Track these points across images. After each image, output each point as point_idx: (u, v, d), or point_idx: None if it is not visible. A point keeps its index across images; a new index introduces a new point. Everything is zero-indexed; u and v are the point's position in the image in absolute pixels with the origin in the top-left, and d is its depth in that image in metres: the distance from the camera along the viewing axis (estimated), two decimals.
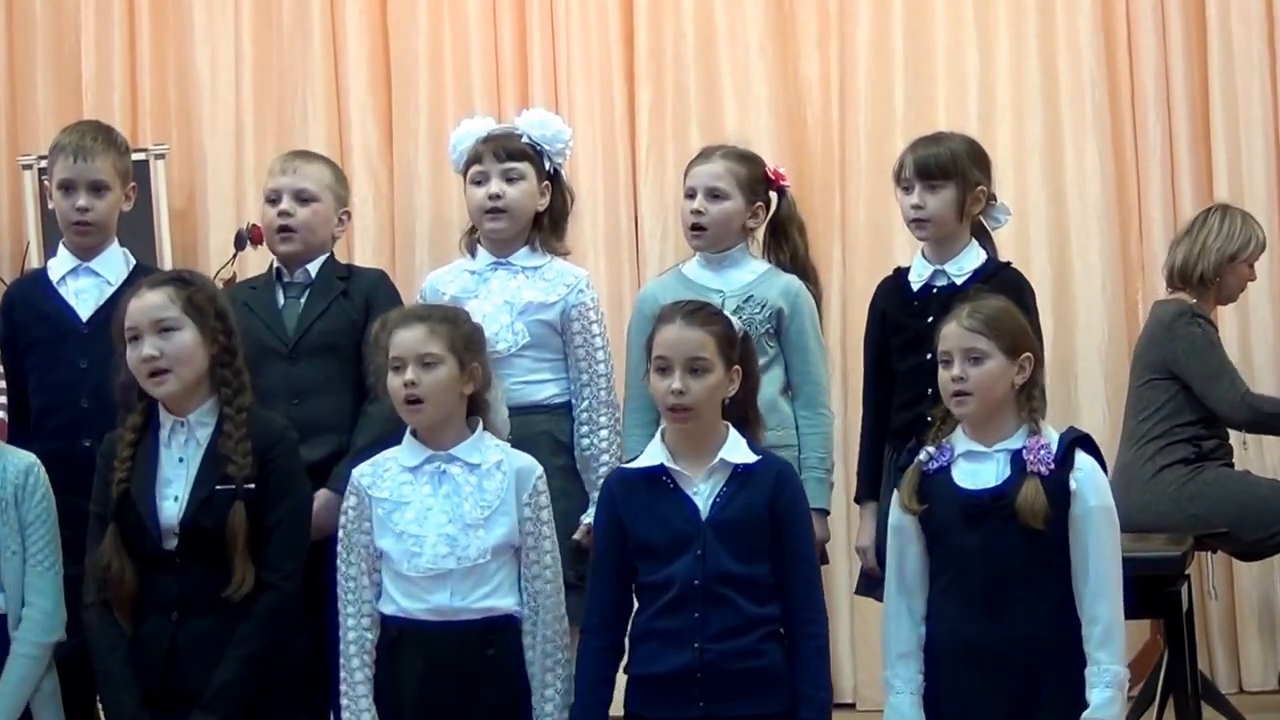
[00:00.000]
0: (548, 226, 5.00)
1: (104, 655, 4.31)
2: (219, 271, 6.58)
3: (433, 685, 4.20)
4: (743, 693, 4.11)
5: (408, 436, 4.33)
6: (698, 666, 4.11)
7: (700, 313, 4.25)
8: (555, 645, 4.24)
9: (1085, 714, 4.09)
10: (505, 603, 4.23)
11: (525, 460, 4.32)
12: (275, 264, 5.00)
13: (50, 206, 4.98)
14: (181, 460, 4.34)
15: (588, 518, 4.77)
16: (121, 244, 4.97)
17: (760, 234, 5.08)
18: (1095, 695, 4.10)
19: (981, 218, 4.95)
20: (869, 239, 6.71)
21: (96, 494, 4.36)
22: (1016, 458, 4.20)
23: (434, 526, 4.23)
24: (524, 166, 4.95)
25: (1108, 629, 4.13)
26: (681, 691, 4.13)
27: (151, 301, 4.35)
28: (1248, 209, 6.40)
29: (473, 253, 5.02)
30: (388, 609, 4.25)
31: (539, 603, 4.25)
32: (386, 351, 4.27)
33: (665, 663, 4.15)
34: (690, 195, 5.00)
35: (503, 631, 4.23)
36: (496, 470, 4.27)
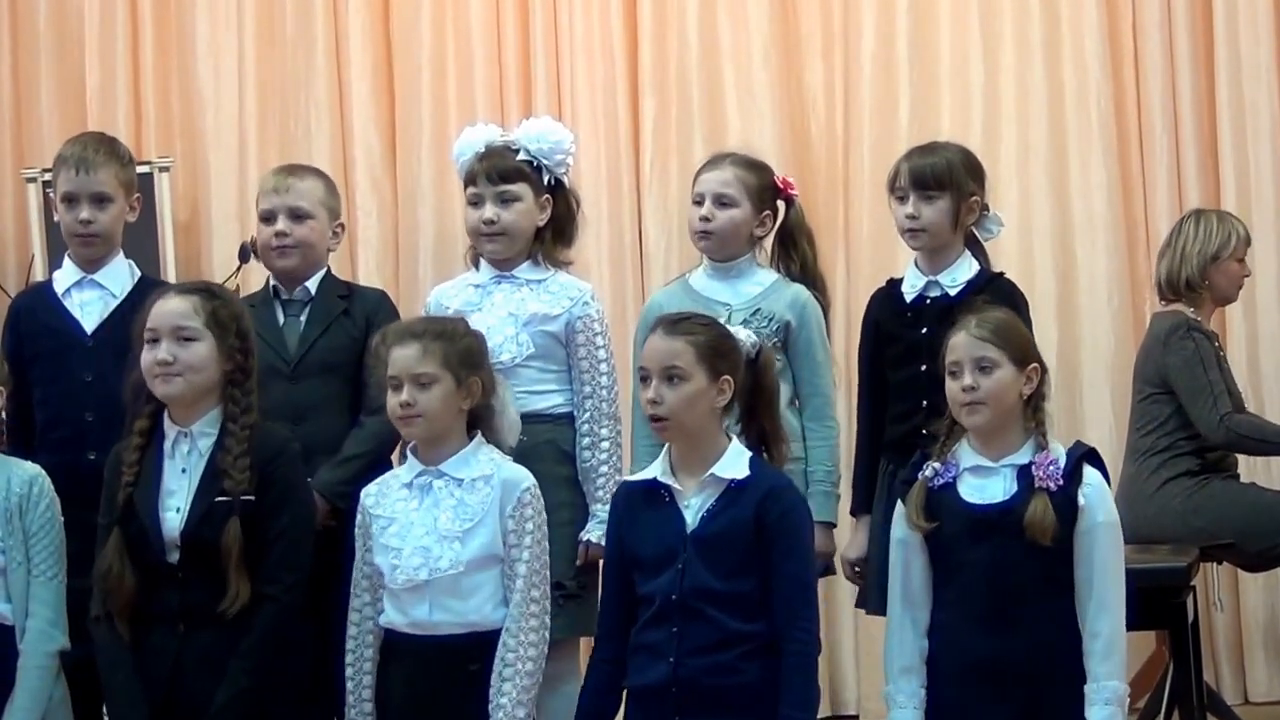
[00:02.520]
0: (550, 239, 4.96)
1: (111, 670, 4.30)
2: (223, 284, 6.58)
3: (415, 698, 4.21)
4: (719, 709, 4.09)
5: (409, 454, 4.34)
6: (673, 681, 4.10)
7: (683, 323, 4.23)
8: (516, 655, 4.19)
9: None
10: (492, 618, 4.22)
11: (514, 472, 4.30)
12: (272, 281, 4.98)
13: (55, 219, 4.98)
14: (184, 471, 4.34)
15: (586, 534, 4.78)
16: (126, 256, 4.96)
17: (769, 243, 5.08)
18: (1094, 713, 4.10)
19: (974, 228, 4.94)
20: (873, 250, 6.69)
21: (105, 506, 4.35)
22: (1023, 472, 4.20)
23: (413, 539, 4.24)
24: (519, 188, 4.91)
25: (1109, 644, 4.12)
26: (660, 705, 4.12)
27: (176, 308, 4.35)
28: (1255, 220, 6.41)
29: (476, 265, 5.01)
30: (383, 621, 4.29)
31: (508, 612, 4.22)
32: (386, 365, 4.27)
33: (646, 676, 4.15)
34: (698, 202, 4.99)
35: (485, 647, 4.21)
36: (483, 484, 4.26)
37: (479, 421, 4.34)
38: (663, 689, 4.10)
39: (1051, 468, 4.16)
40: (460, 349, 4.29)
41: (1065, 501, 4.14)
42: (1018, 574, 4.15)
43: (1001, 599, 4.16)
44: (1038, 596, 4.15)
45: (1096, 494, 4.18)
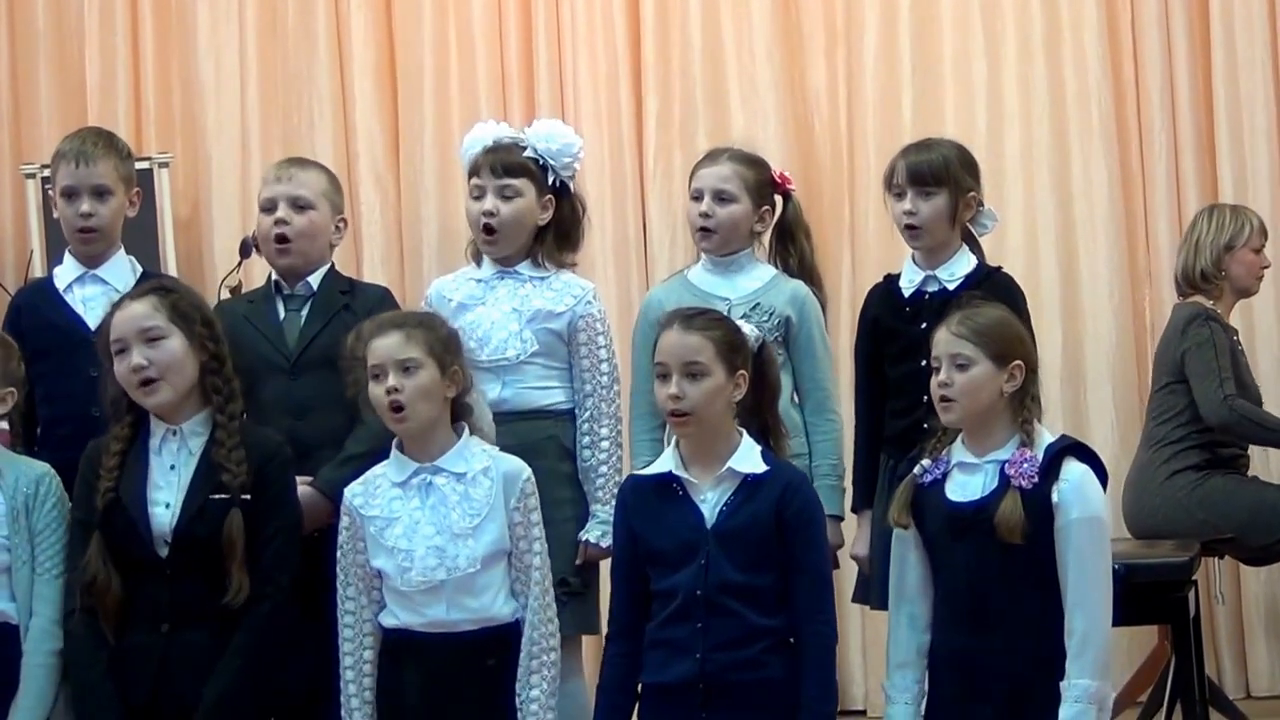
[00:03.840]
0: (552, 241, 4.94)
1: (84, 668, 4.28)
2: (224, 280, 6.57)
3: (434, 697, 4.19)
4: (744, 704, 4.09)
5: (394, 452, 4.31)
6: (700, 677, 4.10)
7: (699, 318, 4.24)
8: (541, 648, 4.21)
9: None
10: (502, 611, 4.22)
11: (512, 464, 4.30)
12: (273, 276, 4.96)
13: (55, 215, 4.97)
14: (173, 468, 4.32)
15: (586, 534, 4.76)
16: (126, 253, 4.96)
17: (766, 238, 5.07)
18: (1063, 710, 4.06)
19: (969, 224, 4.94)
20: (878, 246, 6.70)
21: (79, 500, 4.34)
22: (1004, 469, 4.18)
23: (422, 539, 4.21)
24: (522, 183, 4.89)
25: (1083, 642, 4.08)
26: (684, 701, 4.11)
27: (136, 311, 4.34)
28: None
29: (478, 261, 5.00)
30: (389, 622, 4.25)
31: (526, 604, 4.22)
32: (365, 362, 4.25)
33: (669, 672, 4.14)
34: (697, 197, 4.98)
35: (501, 641, 4.22)
36: (483, 477, 4.25)
37: (461, 415, 4.33)
38: (689, 685, 4.10)
39: (1025, 465, 4.14)
40: (442, 336, 4.29)
41: (1039, 499, 4.12)
42: (993, 571, 4.14)
43: (978, 596, 4.16)
44: (1013, 594, 4.13)
45: (1073, 490, 4.14)
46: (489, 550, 4.21)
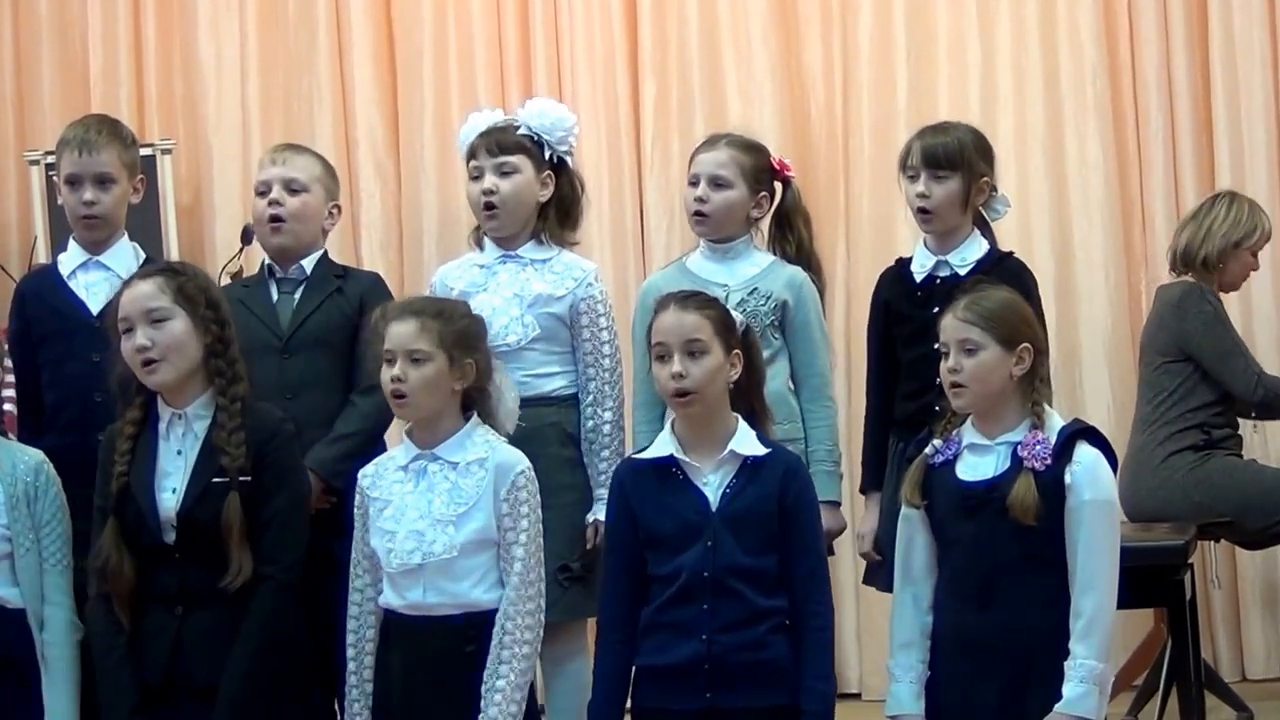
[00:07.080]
0: (554, 217, 4.97)
1: (102, 654, 4.31)
2: (225, 266, 6.61)
3: (414, 678, 4.21)
4: (749, 684, 4.11)
5: (404, 435, 4.33)
6: (705, 658, 4.10)
7: (695, 298, 4.25)
8: (513, 638, 4.17)
9: (1056, 707, 4.05)
10: (484, 599, 4.21)
11: (509, 455, 4.28)
12: (267, 261, 4.99)
13: (59, 202, 5.00)
14: (180, 453, 4.34)
15: (594, 515, 4.79)
16: (130, 239, 4.98)
17: (765, 224, 5.09)
18: (1068, 689, 4.06)
19: (981, 208, 4.96)
20: (873, 230, 6.73)
21: (100, 486, 4.36)
22: (1017, 450, 4.19)
23: (406, 523, 4.23)
24: (518, 160, 4.92)
25: (1090, 623, 4.08)
26: (689, 682, 4.12)
27: (142, 292, 4.36)
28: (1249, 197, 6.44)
29: (481, 246, 5.02)
30: (381, 602, 4.28)
31: (505, 595, 4.21)
32: (383, 341, 4.27)
33: (673, 654, 4.14)
34: (694, 183, 4.99)
35: (482, 628, 4.20)
36: (477, 467, 4.24)
37: (475, 405, 4.33)
38: (693, 666, 4.11)
39: (1039, 447, 4.14)
40: (457, 329, 4.28)
41: (1052, 481, 4.12)
42: (1003, 551, 4.14)
43: (987, 575, 4.16)
44: (1023, 574, 4.14)
45: (1085, 473, 4.14)
46: (471, 538, 4.20)
